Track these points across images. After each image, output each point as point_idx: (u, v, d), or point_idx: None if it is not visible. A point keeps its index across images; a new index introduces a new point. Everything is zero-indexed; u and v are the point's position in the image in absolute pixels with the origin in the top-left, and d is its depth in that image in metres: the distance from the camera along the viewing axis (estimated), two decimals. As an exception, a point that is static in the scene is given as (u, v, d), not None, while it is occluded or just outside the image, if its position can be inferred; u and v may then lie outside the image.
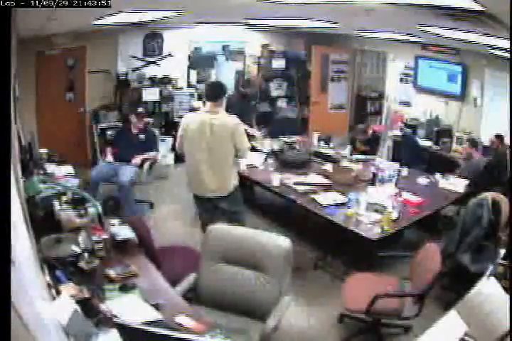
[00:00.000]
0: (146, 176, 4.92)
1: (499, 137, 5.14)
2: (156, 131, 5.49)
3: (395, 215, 3.55)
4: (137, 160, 4.77)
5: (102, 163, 5.03)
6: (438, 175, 4.59)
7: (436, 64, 6.28)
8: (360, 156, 5.12)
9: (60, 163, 4.32)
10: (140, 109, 5.38)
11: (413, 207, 3.83)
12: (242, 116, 5.28)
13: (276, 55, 7.44)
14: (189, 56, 6.82)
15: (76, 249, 2.47)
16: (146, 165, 4.89)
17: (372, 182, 4.30)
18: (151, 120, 6.31)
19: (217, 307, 2.54)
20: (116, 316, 1.97)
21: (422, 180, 4.52)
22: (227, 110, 5.37)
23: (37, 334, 1.08)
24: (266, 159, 4.87)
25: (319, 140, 5.69)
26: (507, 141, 5.02)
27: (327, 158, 5.00)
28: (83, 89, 6.04)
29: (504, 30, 2.77)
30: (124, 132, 5.05)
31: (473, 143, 4.94)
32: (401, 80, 6.98)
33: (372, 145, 5.36)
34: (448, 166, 5.13)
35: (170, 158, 6.18)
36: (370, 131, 5.39)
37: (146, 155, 4.86)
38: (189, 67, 6.87)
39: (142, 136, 4.95)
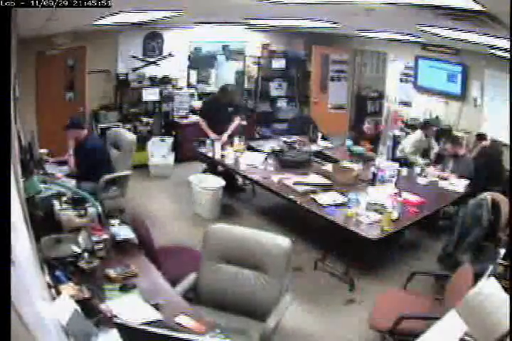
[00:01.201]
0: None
1: (481, 136, 5.13)
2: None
3: (394, 215, 3.55)
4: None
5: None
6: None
7: (436, 64, 6.28)
8: (361, 149, 5.14)
9: (60, 163, 4.33)
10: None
11: (413, 207, 3.83)
12: (216, 122, 5.27)
13: (276, 55, 7.45)
14: (189, 56, 6.82)
15: (76, 249, 2.47)
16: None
17: (372, 182, 4.31)
18: (151, 120, 6.33)
19: (217, 307, 2.54)
20: (116, 316, 1.97)
21: (422, 180, 4.53)
22: (202, 115, 5.34)
23: (37, 334, 1.08)
24: (266, 159, 4.87)
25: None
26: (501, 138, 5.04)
27: (327, 158, 5.00)
28: (83, 89, 6.04)
29: (504, 30, 2.77)
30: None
31: (456, 141, 4.86)
32: (401, 80, 6.97)
33: (375, 143, 5.38)
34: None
35: (170, 158, 6.18)
36: (376, 129, 5.41)
37: None
38: (189, 67, 6.88)
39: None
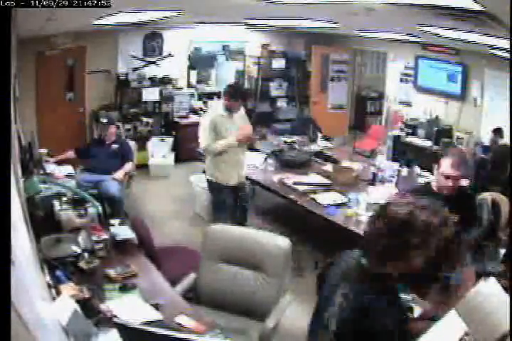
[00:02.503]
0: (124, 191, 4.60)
1: (497, 131, 5.13)
2: (132, 143, 5.18)
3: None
4: (120, 175, 4.49)
5: (79, 172, 4.57)
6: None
7: (437, 64, 6.28)
8: None
9: (60, 163, 4.33)
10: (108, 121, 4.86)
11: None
12: None
13: (276, 55, 7.45)
14: (189, 56, 6.82)
15: (76, 249, 2.47)
16: (126, 179, 4.66)
17: (372, 182, 4.30)
18: (151, 120, 6.33)
19: (217, 307, 2.54)
20: (116, 316, 1.97)
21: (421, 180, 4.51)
22: None
23: (37, 334, 1.08)
24: (266, 159, 4.86)
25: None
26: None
27: (327, 158, 5.00)
28: (83, 89, 6.04)
29: (504, 30, 2.77)
30: (99, 143, 4.77)
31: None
32: (401, 80, 6.97)
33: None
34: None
35: (170, 158, 6.18)
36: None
37: (126, 169, 4.61)
38: (189, 67, 6.88)
39: (116, 147, 4.68)
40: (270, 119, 7.58)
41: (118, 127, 5.13)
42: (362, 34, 6.21)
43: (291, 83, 7.76)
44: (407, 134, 6.41)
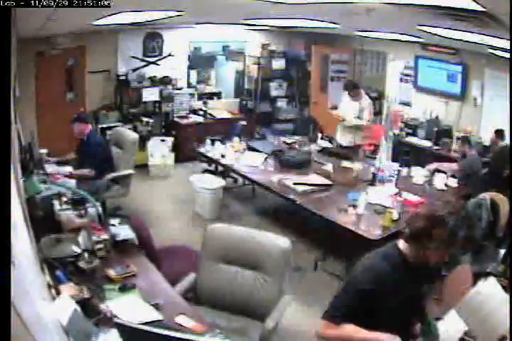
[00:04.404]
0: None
1: (499, 132, 5.13)
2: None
3: (395, 215, 3.54)
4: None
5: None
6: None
7: (436, 64, 6.27)
8: None
9: (60, 164, 4.33)
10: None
11: (413, 207, 3.82)
12: None
13: (277, 55, 7.45)
14: (189, 56, 6.82)
15: (76, 249, 2.47)
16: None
17: (372, 182, 4.31)
18: (151, 120, 6.33)
19: (216, 307, 2.54)
20: (116, 316, 1.97)
21: (419, 180, 4.51)
22: None
23: (37, 334, 1.08)
24: (266, 159, 4.87)
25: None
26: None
27: (332, 155, 5.02)
28: (83, 89, 6.03)
29: (504, 30, 2.77)
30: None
31: (469, 142, 4.87)
32: (401, 80, 6.97)
33: None
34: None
35: (170, 158, 6.18)
36: None
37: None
38: (189, 67, 6.88)
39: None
40: (270, 119, 7.59)
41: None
42: (362, 34, 6.21)
43: (291, 83, 7.76)
44: (407, 134, 6.41)
